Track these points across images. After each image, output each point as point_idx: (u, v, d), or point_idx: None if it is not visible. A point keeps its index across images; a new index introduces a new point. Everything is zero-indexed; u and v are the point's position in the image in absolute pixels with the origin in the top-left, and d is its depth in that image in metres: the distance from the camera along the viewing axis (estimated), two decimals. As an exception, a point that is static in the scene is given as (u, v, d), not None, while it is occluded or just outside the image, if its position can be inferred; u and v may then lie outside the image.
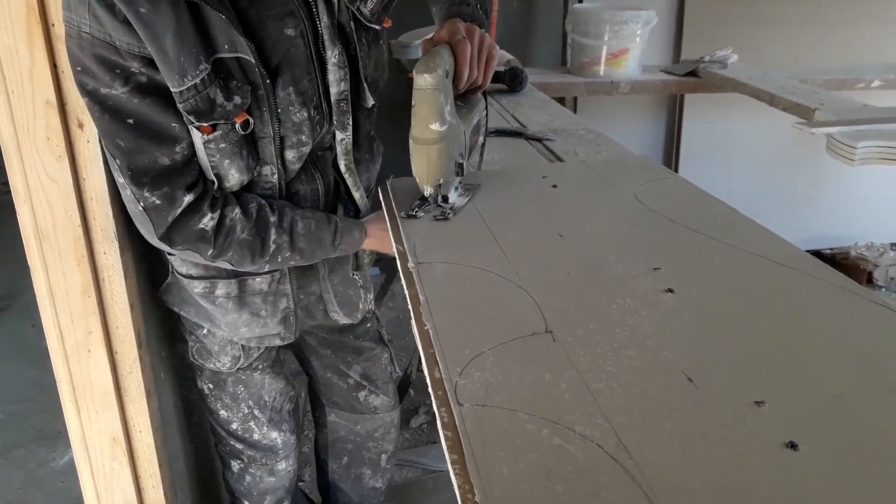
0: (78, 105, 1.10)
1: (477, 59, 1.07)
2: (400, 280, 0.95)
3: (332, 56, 1.09)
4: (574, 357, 0.71)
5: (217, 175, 1.08)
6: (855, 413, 0.63)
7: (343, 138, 1.19)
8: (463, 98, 1.13)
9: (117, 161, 1.01)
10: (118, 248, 1.20)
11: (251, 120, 1.06)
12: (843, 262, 3.60)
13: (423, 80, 0.98)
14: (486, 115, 1.25)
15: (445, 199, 1.09)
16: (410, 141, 1.03)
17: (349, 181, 1.25)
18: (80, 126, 1.12)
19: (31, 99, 1.09)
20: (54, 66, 1.08)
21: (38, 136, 1.11)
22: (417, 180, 1.07)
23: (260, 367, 1.41)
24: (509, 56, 2.55)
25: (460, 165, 1.11)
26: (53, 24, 1.06)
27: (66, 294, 1.21)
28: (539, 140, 1.65)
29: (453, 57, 1.04)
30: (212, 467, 1.65)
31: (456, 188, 1.11)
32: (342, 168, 1.23)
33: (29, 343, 2.85)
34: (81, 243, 1.18)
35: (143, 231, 1.09)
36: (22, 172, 1.13)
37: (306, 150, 1.14)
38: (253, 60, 1.00)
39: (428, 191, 1.07)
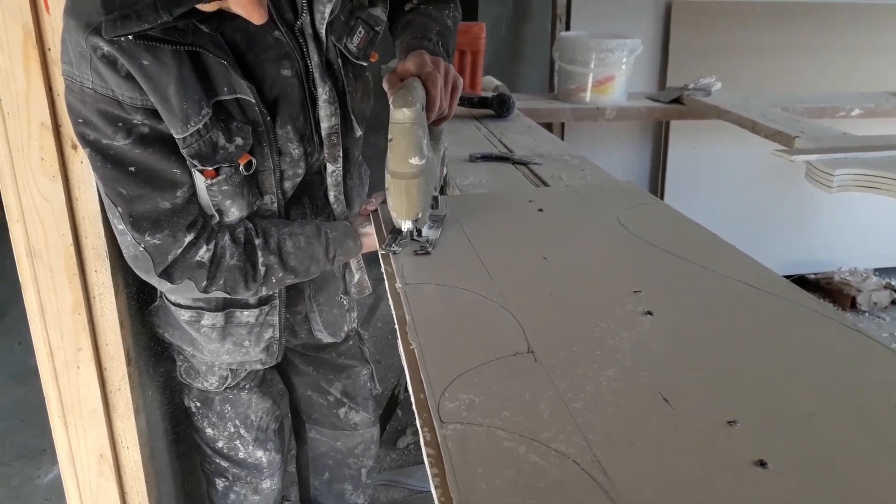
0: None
1: (444, 91, 1.07)
2: (388, 300, 0.97)
3: (323, 93, 1.12)
4: (554, 377, 0.73)
5: (218, 210, 1.10)
6: (823, 433, 0.65)
7: (333, 170, 1.21)
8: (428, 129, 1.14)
9: (118, 209, 1.02)
10: (109, 267, 1.22)
11: (254, 161, 1.08)
12: (827, 287, 3.65)
13: (401, 115, 0.96)
14: (446, 146, 1.26)
15: (419, 232, 1.08)
16: (387, 175, 1.01)
17: (336, 210, 1.27)
18: (74, 147, 1.14)
19: (26, 120, 1.11)
20: (49, 90, 1.11)
21: (33, 157, 1.13)
22: (394, 215, 1.05)
23: (247, 386, 1.42)
24: (497, 82, 2.60)
25: (435, 199, 1.11)
26: (49, 49, 1.09)
27: (57, 311, 1.22)
28: (525, 164, 1.68)
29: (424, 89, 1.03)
30: (198, 484, 1.65)
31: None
32: (331, 199, 1.25)
33: (15, 361, 2.85)
34: (73, 262, 1.20)
35: (140, 271, 1.09)
36: (16, 192, 1.15)
37: (299, 179, 1.17)
38: (253, 100, 1.03)
39: (406, 225, 1.05)
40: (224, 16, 0.92)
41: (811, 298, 0.92)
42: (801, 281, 3.70)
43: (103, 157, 0.98)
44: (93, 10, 0.89)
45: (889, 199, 1.69)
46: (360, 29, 1.14)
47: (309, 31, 1.08)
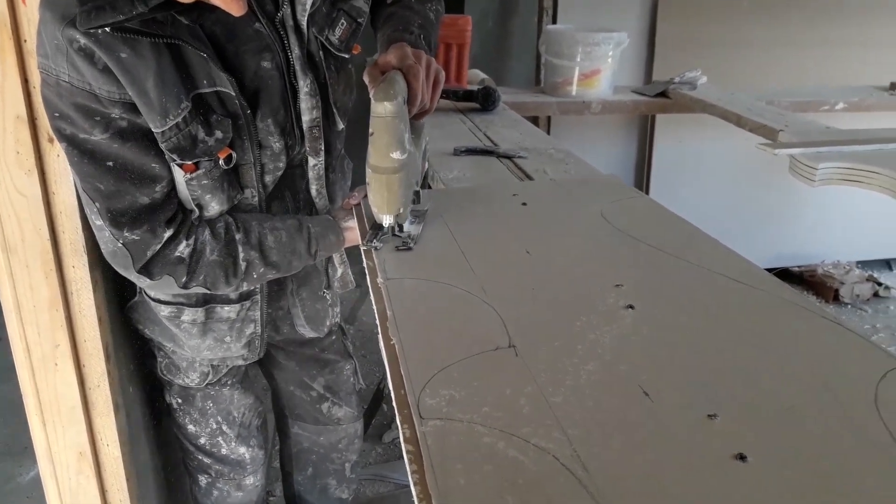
0: (49, 119, 1.10)
1: (425, 84, 1.05)
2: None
3: (304, 86, 1.10)
4: (535, 371, 0.73)
5: (197, 205, 1.08)
6: (802, 425, 0.65)
7: (315, 164, 1.20)
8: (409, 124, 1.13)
9: (96, 204, 1.00)
10: (87, 263, 1.20)
11: (234, 155, 1.06)
12: (810, 280, 3.67)
13: (382, 108, 0.93)
14: (427, 140, 1.25)
15: (401, 227, 1.06)
16: (368, 170, 0.99)
17: (318, 204, 1.26)
18: (51, 141, 1.13)
19: (0, 113, 1.09)
20: (25, 82, 1.09)
21: (8, 150, 1.12)
22: (375, 210, 1.03)
23: (229, 382, 1.41)
24: (483, 75, 2.59)
25: (417, 193, 1.10)
26: (25, 41, 1.07)
27: (34, 308, 1.21)
28: (510, 158, 1.68)
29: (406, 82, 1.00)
30: (180, 481, 1.63)
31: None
32: (313, 192, 1.24)
33: (-5, 357, 2.81)
34: (50, 257, 1.18)
35: (118, 267, 1.08)
36: (-10, 186, 1.13)
37: (280, 173, 1.16)
38: (233, 93, 1.01)
39: (387, 221, 1.03)
40: (203, 7, 0.90)
41: (792, 292, 0.92)
42: (784, 274, 3.72)
43: (80, 151, 0.97)
44: (69, 2, 0.87)
45: (871, 193, 1.70)
46: (342, 21, 1.13)
47: (290, 22, 1.06)
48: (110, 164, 0.98)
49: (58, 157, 1.14)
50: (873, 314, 3.47)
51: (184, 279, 1.09)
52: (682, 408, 0.67)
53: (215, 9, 0.88)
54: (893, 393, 0.70)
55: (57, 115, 0.95)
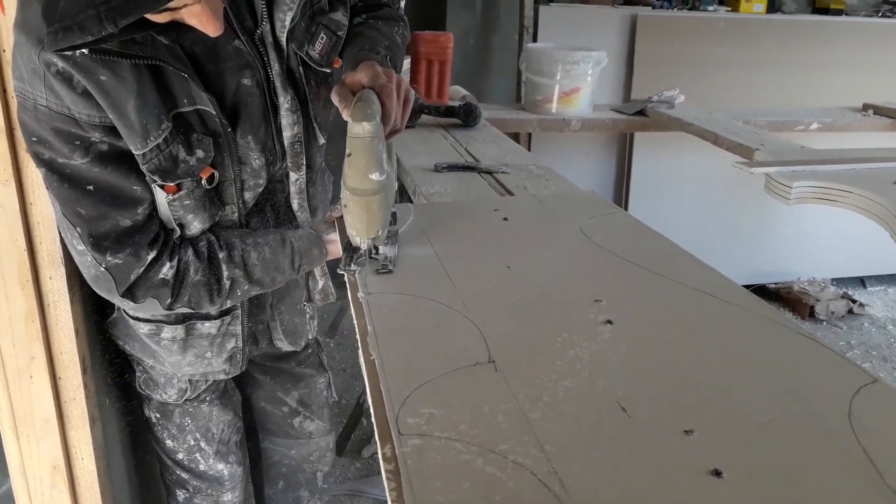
0: (27, 130, 1.09)
1: (397, 104, 1.01)
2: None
3: (285, 102, 1.10)
4: (514, 387, 0.73)
5: (179, 224, 1.07)
6: (777, 440, 0.66)
7: (297, 178, 1.20)
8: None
9: (77, 229, 0.99)
10: (64, 274, 1.19)
11: (216, 174, 1.06)
12: (786, 297, 3.71)
13: (361, 129, 0.90)
14: (396, 158, 1.24)
15: (377, 250, 1.04)
16: (346, 192, 0.94)
17: (300, 217, 1.25)
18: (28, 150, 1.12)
19: (-23, 123, 1.08)
20: (3, 91, 1.08)
21: (-16, 160, 1.11)
22: (353, 233, 0.98)
23: (207, 399, 1.40)
24: (464, 91, 2.61)
25: (394, 214, 1.09)
26: (4, 51, 1.06)
27: (9, 319, 1.19)
28: (491, 174, 1.69)
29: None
30: (157, 496, 1.61)
31: None
32: (295, 206, 1.23)
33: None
34: (26, 268, 1.17)
35: (101, 291, 1.06)
36: (-34, 196, 1.12)
37: (261, 189, 1.15)
38: (213, 111, 1.00)
39: (365, 244, 1.00)
40: (182, 27, 0.89)
41: (768, 308, 0.94)
42: (761, 290, 3.76)
43: (60, 176, 0.95)
44: (42, 25, 0.83)
45: (845, 211, 1.73)
46: (322, 35, 1.13)
47: (269, 39, 1.06)
48: (91, 188, 0.97)
49: (35, 168, 1.13)
50: (848, 331, 3.52)
51: (168, 301, 1.08)
52: (658, 423, 0.68)
53: (194, 28, 0.88)
54: (867, 408, 0.71)
55: (35, 139, 0.94)
